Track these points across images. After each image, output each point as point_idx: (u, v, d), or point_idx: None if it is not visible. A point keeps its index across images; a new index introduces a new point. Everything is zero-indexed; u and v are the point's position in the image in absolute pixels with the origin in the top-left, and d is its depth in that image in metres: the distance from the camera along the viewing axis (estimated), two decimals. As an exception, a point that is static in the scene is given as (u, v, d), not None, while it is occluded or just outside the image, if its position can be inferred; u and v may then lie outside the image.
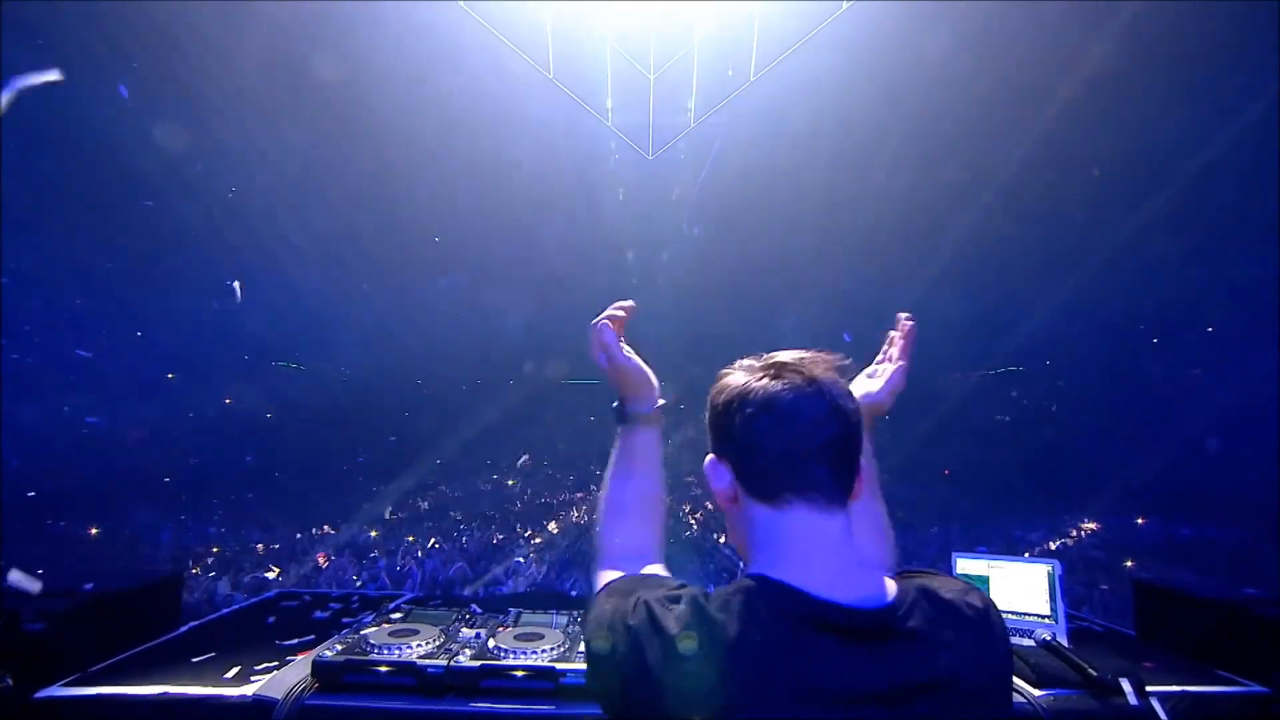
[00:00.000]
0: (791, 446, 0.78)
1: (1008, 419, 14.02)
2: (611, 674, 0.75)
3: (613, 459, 1.08)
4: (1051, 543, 8.39)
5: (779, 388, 0.79)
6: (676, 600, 0.76)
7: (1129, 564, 6.93)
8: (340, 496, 11.72)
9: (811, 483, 0.79)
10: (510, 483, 13.94)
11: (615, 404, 1.11)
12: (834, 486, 0.80)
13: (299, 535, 9.61)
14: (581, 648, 1.58)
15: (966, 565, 2.04)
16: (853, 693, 0.66)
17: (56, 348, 11.99)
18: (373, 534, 10.08)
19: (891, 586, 0.78)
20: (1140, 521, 9.41)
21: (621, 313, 1.09)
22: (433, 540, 9.46)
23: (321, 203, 11.85)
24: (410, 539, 9.63)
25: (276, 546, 9.08)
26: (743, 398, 0.81)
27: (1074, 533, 8.93)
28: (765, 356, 0.86)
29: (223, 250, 12.29)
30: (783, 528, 0.80)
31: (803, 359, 0.82)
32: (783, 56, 8.44)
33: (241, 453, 13.78)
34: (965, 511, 9.95)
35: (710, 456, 0.88)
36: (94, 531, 9.62)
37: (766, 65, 8.46)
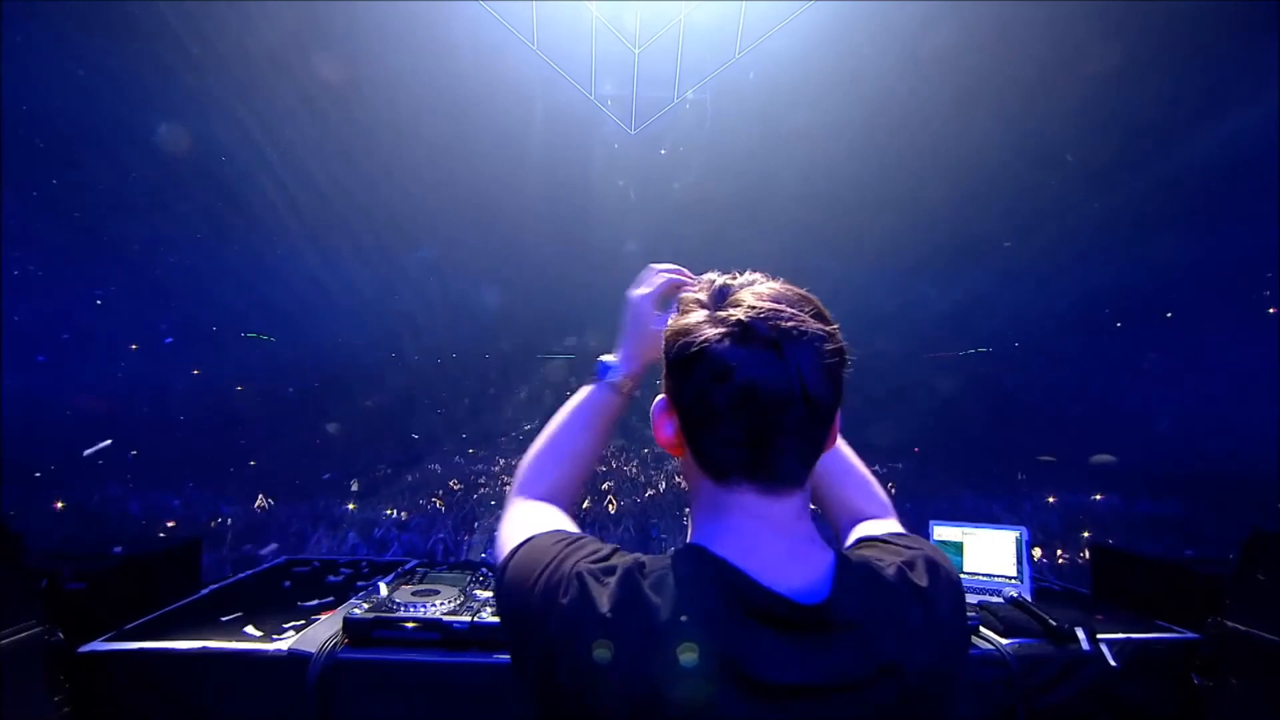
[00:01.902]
0: (748, 430, 0.66)
1: (976, 399, 14.49)
2: (534, 655, 0.67)
3: (575, 406, 0.98)
4: (1014, 517, 8.82)
5: (742, 354, 0.65)
6: (611, 572, 0.67)
7: (1085, 534, 7.38)
8: (315, 469, 11.66)
9: (767, 469, 0.68)
10: (485, 454, 13.98)
11: (610, 358, 1.00)
12: (793, 469, 0.70)
13: (275, 508, 9.56)
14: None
15: (943, 532, 2.23)
16: (791, 684, 0.62)
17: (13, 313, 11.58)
18: (350, 506, 10.05)
19: (836, 568, 0.70)
20: (1098, 497, 9.92)
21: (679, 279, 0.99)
22: (408, 512, 9.50)
23: (296, 172, 11.55)
24: (389, 511, 9.64)
25: (250, 518, 9.04)
26: (698, 357, 0.67)
27: (1037, 507, 9.40)
28: (737, 288, 0.71)
29: (192, 217, 11.94)
30: (728, 505, 0.71)
31: (779, 311, 0.66)
32: (769, 34, 8.45)
33: (210, 424, 13.54)
34: (935, 487, 10.35)
35: (661, 398, 0.76)
36: (59, 506, 9.42)
37: (753, 43, 8.47)
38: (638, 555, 0.72)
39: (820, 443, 0.71)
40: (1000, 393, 14.54)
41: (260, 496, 8.95)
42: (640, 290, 0.98)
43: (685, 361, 0.69)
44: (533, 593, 0.69)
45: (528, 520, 0.83)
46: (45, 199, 10.53)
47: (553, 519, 0.85)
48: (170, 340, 13.46)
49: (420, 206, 13.21)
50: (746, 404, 0.65)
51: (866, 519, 0.95)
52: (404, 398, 16.36)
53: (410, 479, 11.72)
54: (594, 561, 0.70)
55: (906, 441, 13.02)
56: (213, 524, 8.47)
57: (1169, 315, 13.18)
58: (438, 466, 12.88)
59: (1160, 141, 10.09)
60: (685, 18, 8.39)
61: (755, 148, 11.59)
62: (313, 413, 14.51)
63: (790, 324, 0.66)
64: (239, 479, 10.66)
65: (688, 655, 0.62)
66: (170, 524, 8.74)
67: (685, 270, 1.00)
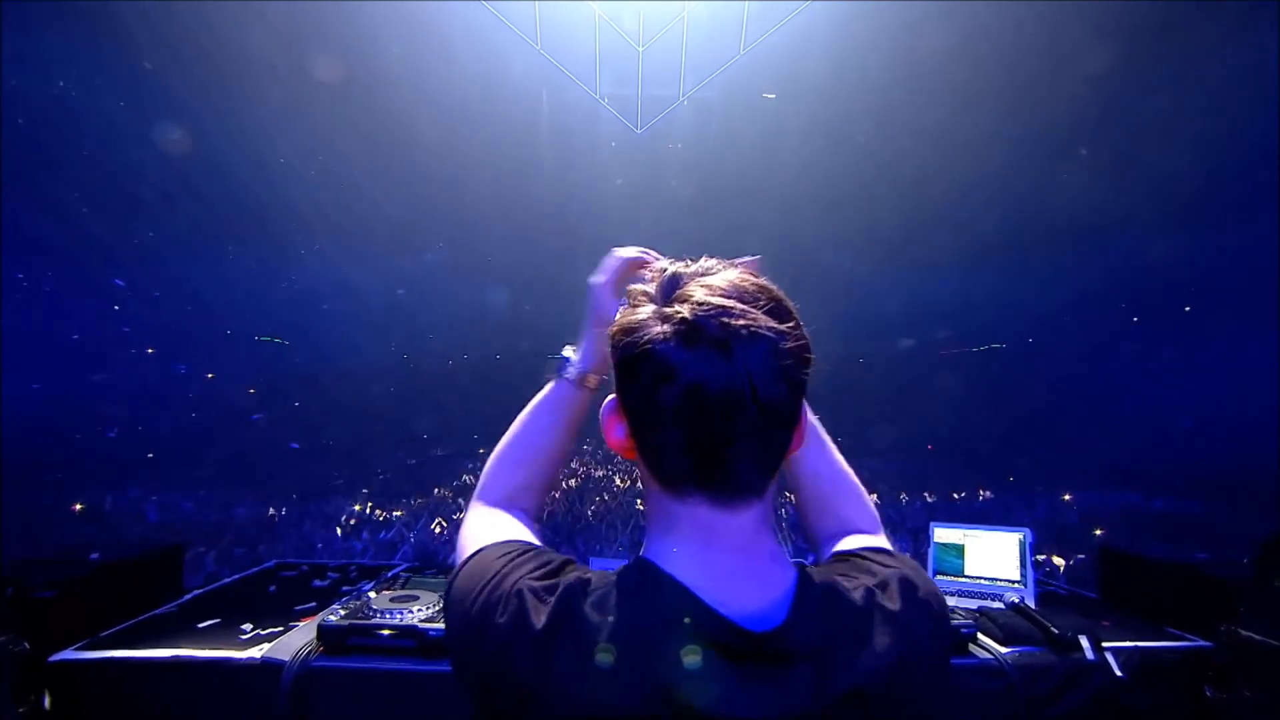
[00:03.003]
0: (697, 435, 0.61)
1: (988, 396, 14.31)
2: (472, 672, 0.64)
3: (537, 404, 0.92)
4: (1025, 516, 8.68)
5: (687, 355, 0.59)
6: (552, 590, 0.63)
7: (1098, 533, 7.22)
8: (326, 471, 11.72)
9: (721, 479, 0.63)
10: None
11: (575, 352, 0.93)
12: (750, 478, 0.64)
13: (284, 510, 9.62)
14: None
15: (944, 534, 2.15)
16: (737, 718, 0.57)
17: (34, 319, 11.77)
18: (357, 508, 10.08)
19: (795, 590, 0.65)
20: (1113, 495, 9.75)
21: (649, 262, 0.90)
22: (418, 514, 9.51)
23: (304, 175, 11.64)
24: (398, 513, 9.66)
25: (263, 519, 9.09)
26: (644, 357, 0.61)
27: (1048, 506, 9.24)
28: (687, 278, 0.65)
29: (205, 224, 12.07)
30: (680, 516, 0.65)
31: (728, 308, 0.60)
32: (772, 30, 8.38)
33: (224, 427, 13.68)
34: (946, 485, 10.20)
35: (611, 398, 0.70)
36: (78, 507, 9.54)
37: (755, 40, 8.40)
38: (590, 571, 0.68)
39: (780, 449, 0.66)
40: (1009, 389, 14.35)
41: (272, 503, 9.00)
42: (598, 277, 0.91)
43: (631, 361, 0.63)
44: (471, 609, 0.65)
45: (482, 529, 0.79)
46: (52, 204, 10.67)
47: (507, 528, 0.80)
48: (184, 370, 13.67)
49: (427, 208, 13.27)
50: (693, 407, 0.60)
51: (854, 532, 0.88)
52: (414, 399, 16.44)
53: (421, 480, 11.76)
54: (538, 578, 0.66)
55: (916, 439, 12.86)
56: (220, 528, 8.53)
57: (1187, 309, 12.94)
58: (448, 468, 12.92)
59: (1160, 141, 9.94)
60: (687, 16, 8.34)
61: (760, 144, 11.54)
62: (323, 415, 14.62)
63: (740, 322, 0.59)
64: (249, 481, 10.74)
65: (624, 682, 0.58)
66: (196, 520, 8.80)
67: (650, 251, 0.92)
